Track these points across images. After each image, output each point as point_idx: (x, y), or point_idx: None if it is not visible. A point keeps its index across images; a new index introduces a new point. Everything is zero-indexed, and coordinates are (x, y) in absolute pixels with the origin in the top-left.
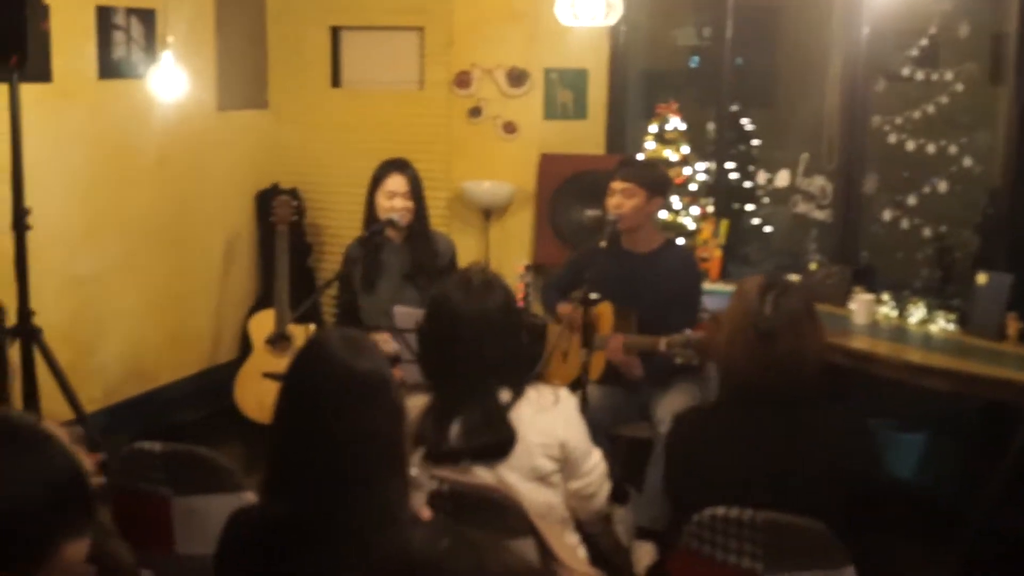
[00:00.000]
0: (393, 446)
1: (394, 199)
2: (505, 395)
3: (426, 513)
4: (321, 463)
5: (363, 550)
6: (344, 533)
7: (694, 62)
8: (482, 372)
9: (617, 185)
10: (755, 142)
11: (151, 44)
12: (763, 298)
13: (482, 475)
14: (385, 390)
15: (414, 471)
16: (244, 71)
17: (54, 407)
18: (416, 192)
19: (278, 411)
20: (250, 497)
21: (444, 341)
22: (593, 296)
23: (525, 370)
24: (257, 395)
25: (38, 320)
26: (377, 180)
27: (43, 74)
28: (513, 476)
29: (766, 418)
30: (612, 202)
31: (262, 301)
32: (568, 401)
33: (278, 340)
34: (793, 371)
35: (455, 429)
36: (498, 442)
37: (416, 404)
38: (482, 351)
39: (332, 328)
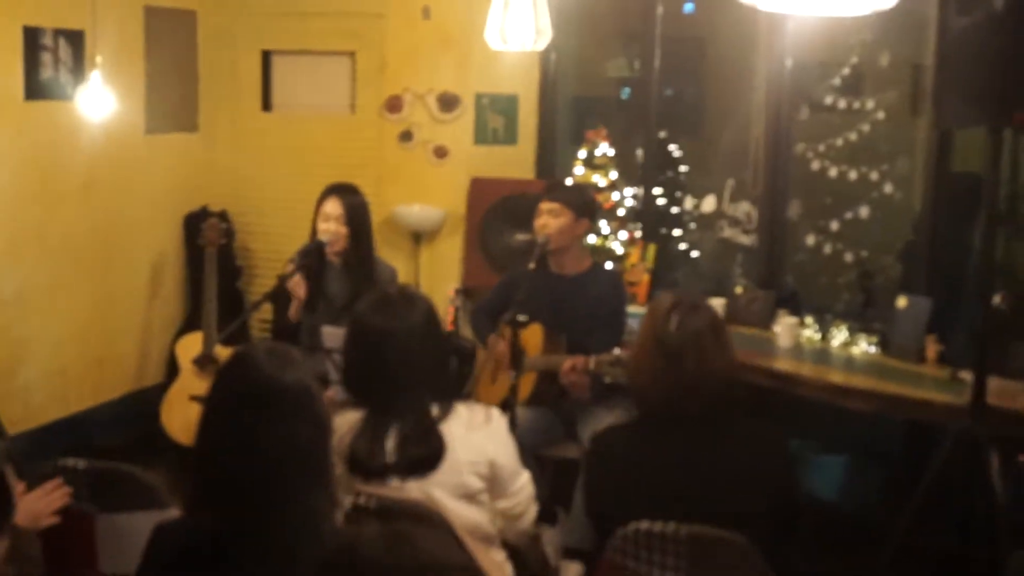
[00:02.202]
0: (318, 458)
1: (328, 222)
2: (435, 410)
3: None
4: (245, 475)
5: (287, 562)
6: (268, 545)
7: (625, 94)
8: (410, 388)
9: (544, 206)
10: (682, 168)
11: (79, 65)
12: (668, 317)
13: (410, 491)
14: (310, 402)
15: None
16: (174, 94)
17: None
18: (354, 218)
19: (203, 423)
20: (176, 514)
21: (368, 362)
22: (521, 318)
23: (453, 382)
24: (184, 418)
25: None
26: (318, 203)
27: None
28: (440, 492)
29: (677, 435)
30: (539, 222)
31: (190, 324)
32: (499, 421)
33: (205, 362)
34: (699, 389)
35: (389, 444)
36: (429, 455)
37: (346, 421)
38: (408, 367)
39: (258, 341)
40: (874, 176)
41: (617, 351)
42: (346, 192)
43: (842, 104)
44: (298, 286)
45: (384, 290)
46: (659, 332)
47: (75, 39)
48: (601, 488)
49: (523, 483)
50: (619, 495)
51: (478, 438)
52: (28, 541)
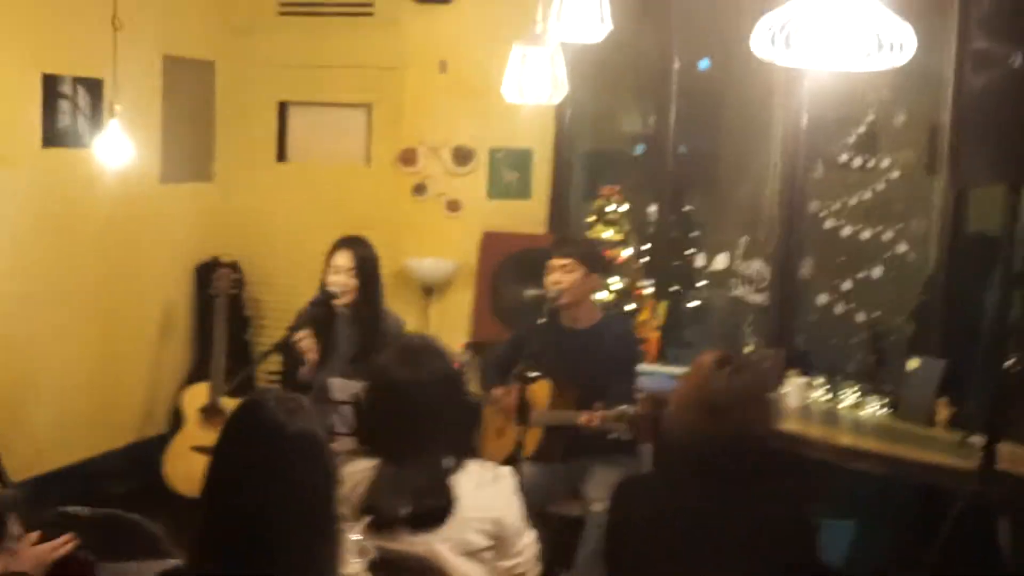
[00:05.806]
0: (324, 509)
1: (339, 274)
2: (447, 463)
3: None
4: (250, 524)
5: None
6: None
7: (639, 150)
8: (429, 439)
9: (556, 262)
10: (695, 226)
11: (97, 113)
12: (718, 372)
13: (415, 545)
14: (318, 451)
15: (358, 538)
16: (190, 143)
17: None
18: (364, 270)
19: (210, 469)
20: (177, 563)
21: (391, 413)
22: (531, 373)
23: (467, 437)
24: (187, 469)
25: None
26: (328, 256)
27: None
28: (444, 548)
29: (703, 490)
30: (551, 279)
31: (197, 374)
32: (508, 479)
33: (211, 412)
34: (737, 449)
35: (400, 497)
36: (438, 508)
37: (357, 471)
38: (431, 418)
39: (267, 389)
40: (888, 236)
41: (624, 407)
42: (356, 244)
43: (857, 162)
44: (310, 349)
45: (406, 341)
46: (704, 388)
47: (94, 87)
48: (622, 537)
49: (528, 543)
50: (640, 546)
51: (486, 495)
52: None
